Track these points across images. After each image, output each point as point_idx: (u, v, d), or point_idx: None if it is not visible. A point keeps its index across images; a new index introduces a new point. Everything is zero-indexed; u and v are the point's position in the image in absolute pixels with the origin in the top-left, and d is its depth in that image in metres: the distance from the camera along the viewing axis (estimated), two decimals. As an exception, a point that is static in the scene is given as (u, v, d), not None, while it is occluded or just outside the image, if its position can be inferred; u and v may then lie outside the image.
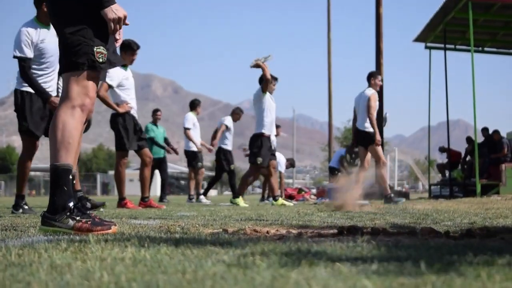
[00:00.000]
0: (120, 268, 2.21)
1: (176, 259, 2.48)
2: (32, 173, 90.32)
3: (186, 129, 17.74)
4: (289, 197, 20.81)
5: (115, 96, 11.17)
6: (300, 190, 22.34)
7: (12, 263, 2.41)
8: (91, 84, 4.49)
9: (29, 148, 9.05)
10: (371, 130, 14.22)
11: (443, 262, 2.24)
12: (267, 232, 4.07)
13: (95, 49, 4.44)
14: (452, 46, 25.41)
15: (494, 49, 26.64)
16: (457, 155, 24.82)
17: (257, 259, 2.38)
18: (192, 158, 17.98)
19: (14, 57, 8.55)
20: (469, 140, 24.28)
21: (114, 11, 4.45)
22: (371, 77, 14.50)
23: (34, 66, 8.54)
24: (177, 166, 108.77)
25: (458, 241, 3.28)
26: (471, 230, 3.83)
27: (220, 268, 2.17)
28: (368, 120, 14.15)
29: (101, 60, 4.47)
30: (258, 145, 13.34)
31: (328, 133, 41.73)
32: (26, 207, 8.89)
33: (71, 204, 4.33)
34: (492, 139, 23.00)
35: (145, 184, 11.78)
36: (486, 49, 26.24)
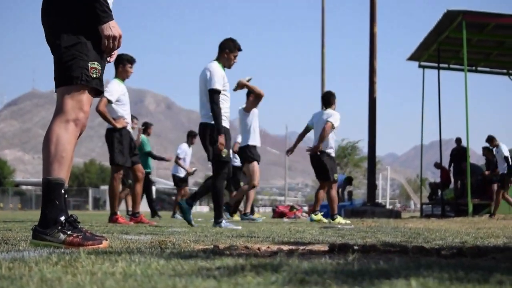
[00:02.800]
0: (110, 282, 2.21)
1: (166, 274, 2.47)
2: (23, 187, 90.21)
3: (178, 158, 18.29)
4: (281, 215, 20.80)
5: (112, 111, 11.18)
6: (292, 208, 22.34)
7: (3, 276, 2.40)
8: (85, 99, 4.48)
9: None
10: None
11: (434, 281, 2.24)
12: (258, 249, 4.06)
13: (89, 64, 4.44)
14: (446, 65, 25.57)
15: (488, 69, 26.78)
16: (447, 177, 24.84)
17: (247, 275, 2.37)
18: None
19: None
20: (458, 141, 24.25)
21: (111, 28, 4.46)
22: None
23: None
24: (169, 182, 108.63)
25: (449, 260, 3.28)
26: (462, 249, 3.83)
27: (211, 284, 2.16)
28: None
29: (94, 75, 4.47)
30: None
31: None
32: None
33: (62, 218, 4.33)
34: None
35: (136, 199, 11.77)
36: (479, 68, 26.38)
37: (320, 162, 13.26)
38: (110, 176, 11.50)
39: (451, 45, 23.13)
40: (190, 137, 19.90)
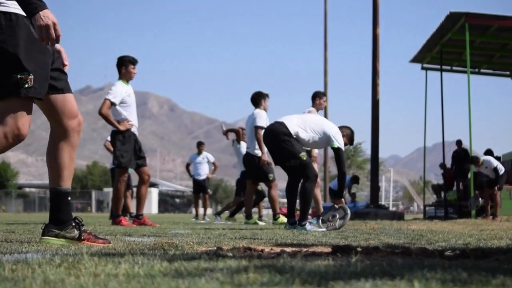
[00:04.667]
0: (113, 284, 2.21)
1: (169, 276, 2.47)
2: (27, 189, 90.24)
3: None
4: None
5: (116, 113, 11.16)
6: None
7: (6, 278, 2.40)
8: (18, 113, 4.43)
9: None
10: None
11: (437, 282, 2.24)
12: (261, 251, 4.06)
13: (19, 76, 4.38)
14: (449, 67, 25.53)
15: (491, 71, 26.75)
16: (451, 178, 24.73)
17: (250, 277, 2.37)
18: None
19: None
20: (458, 143, 24.10)
21: (42, 17, 4.29)
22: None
23: None
24: (172, 184, 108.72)
25: (452, 262, 3.28)
26: (465, 251, 3.83)
27: (214, 285, 2.16)
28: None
29: (27, 85, 4.39)
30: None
31: (324, 154, 41.74)
32: None
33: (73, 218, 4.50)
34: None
35: (141, 201, 11.75)
36: (482, 70, 26.35)
37: (255, 165, 13.22)
38: (115, 179, 11.49)
39: (453, 47, 23.12)
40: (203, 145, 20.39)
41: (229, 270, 2.64)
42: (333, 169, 57.41)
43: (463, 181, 22.70)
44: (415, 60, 24.87)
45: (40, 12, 4.31)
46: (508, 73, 26.89)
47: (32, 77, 4.42)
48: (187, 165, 20.74)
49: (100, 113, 10.92)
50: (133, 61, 11.36)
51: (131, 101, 11.35)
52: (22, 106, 4.42)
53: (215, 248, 4.30)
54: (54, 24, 4.35)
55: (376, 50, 23.89)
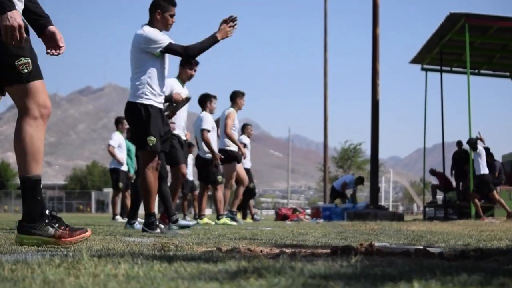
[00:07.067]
0: (113, 284, 2.20)
1: (169, 276, 2.47)
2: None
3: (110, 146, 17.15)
4: (284, 217, 20.72)
5: None
6: (294, 210, 22.29)
7: (5, 278, 2.40)
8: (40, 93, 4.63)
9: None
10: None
11: (437, 283, 2.24)
12: (261, 251, 4.06)
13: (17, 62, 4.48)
14: (449, 68, 25.51)
15: (491, 72, 26.74)
16: (446, 180, 24.57)
17: (250, 278, 2.37)
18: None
19: None
20: (459, 144, 23.93)
21: (9, 18, 4.30)
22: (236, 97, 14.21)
23: None
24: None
25: (452, 262, 3.28)
26: (465, 252, 3.83)
27: (213, 286, 2.16)
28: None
29: (26, 70, 4.51)
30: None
31: (324, 154, 41.75)
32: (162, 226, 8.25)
33: (47, 212, 4.43)
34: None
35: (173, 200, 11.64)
36: (482, 71, 26.34)
37: (205, 166, 13.42)
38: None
39: (453, 48, 23.11)
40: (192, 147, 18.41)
41: (229, 271, 2.64)
42: (332, 169, 57.45)
43: (464, 182, 22.68)
44: (415, 61, 24.85)
45: (8, 13, 4.30)
46: (508, 74, 26.87)
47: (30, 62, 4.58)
48: None
49: None
50: (193, 62, 11.00)
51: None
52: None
53: (215, 248, 4.30)
54: (20, 26, 4.34)
55: (376, 50, 23.87)
